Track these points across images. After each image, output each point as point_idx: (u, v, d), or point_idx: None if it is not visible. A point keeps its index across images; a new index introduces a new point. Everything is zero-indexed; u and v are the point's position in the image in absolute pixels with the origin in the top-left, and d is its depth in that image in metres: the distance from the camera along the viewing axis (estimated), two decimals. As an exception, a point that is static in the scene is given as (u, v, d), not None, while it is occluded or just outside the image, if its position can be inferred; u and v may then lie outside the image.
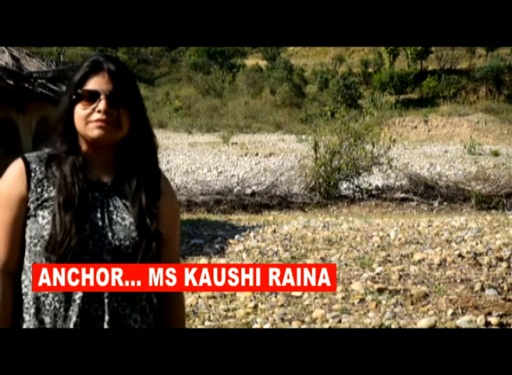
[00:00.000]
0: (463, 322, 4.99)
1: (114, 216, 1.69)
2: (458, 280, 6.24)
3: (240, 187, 14.51)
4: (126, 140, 1.74)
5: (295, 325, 5.10)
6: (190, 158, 25.50)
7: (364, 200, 14.57)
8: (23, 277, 1.66)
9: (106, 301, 1.62)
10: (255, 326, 5.07)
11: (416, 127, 43.03)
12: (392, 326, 4.97)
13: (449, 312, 5.26)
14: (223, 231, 9.83)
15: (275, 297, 5.80)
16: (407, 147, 31.66)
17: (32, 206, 1.66)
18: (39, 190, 1.67)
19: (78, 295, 1.60)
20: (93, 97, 1.67)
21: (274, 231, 9.76)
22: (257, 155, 27.65)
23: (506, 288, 5.92)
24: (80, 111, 1.68)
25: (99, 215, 1.67)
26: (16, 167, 1.70)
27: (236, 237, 9.14)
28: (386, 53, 56.28)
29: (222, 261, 7.26)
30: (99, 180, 1.72)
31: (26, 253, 1.66)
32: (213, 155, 27.04)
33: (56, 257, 1.60)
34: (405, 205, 14.15)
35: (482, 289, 5.87)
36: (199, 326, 5.04)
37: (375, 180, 15.86)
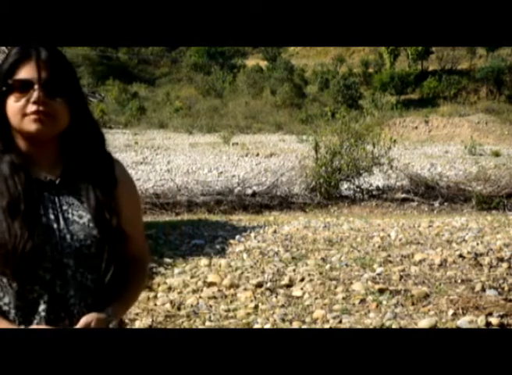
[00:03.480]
0: (463, 322, 4.98)
1: (70, 215, 1.54)
2: (459, 281, 6.23)
3: (241, 188, 14.50)
4: (67, 132, 1.58)
5: (296, 325, 5.10)
6: (190, 159, 25.48)
7: (364, 200, 14.57)
8: None
9: (72, 309, 1.53)
10: (256, 326, 5.07)
11: (417, 128, 43.00)
12: (393, 327, 4.97)
13: (450, 312, 5.25)
14: (224, 232, 9.83)
15: (276, 297, 5.80)
16: (407, 147, 31.64)
17: None
18: None
19: (42, 308, 1.51)
20: (25, 87, 1.50)
21: (274, 232, 9.75)
22: (257, 155, 27.62)
23: (506, 289, 5.92)
24: (12, 104, 1.51)
25: (52, 216, 1.53)
26: None
27: (237, 237, 9.14)
28: (387, 53, 56.26)
29: (223, 261, 7.26)
30: (46, 178, 1.56)
31: None
32: (214, 156, 27.02)
33: (11, 269, 1.45)
34: (406, 205, 14.14)
35: (483, 289, 5.87)
36: (200, 327, 5.04)
37: (376, 180, 15.86)
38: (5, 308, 1.51)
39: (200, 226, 10.40)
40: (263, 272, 6.76)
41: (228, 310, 5.45)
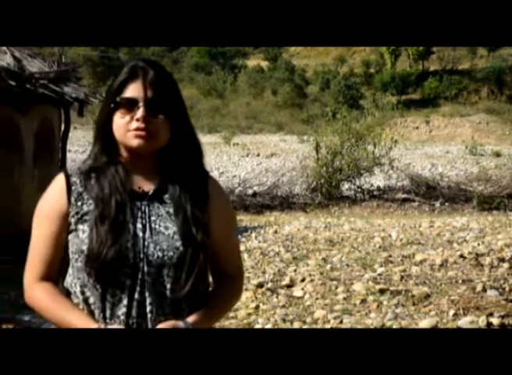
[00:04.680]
0: (464, 323, 4.98)
1: (156, 226, 1.63)
2: (460, 281, 6.23)
3: (242, 188, 14.51)
4: (167, 147, 1.67)
5: (296, 326, 5.09)
6: (191, 159, 25.44)
7: (365, 200, 14.57)
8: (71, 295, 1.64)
9: (149, 316, 1.59)
10: (257, 326, 5.06)
11: (417, 128, 43.04)
12: (394, 327, 4.96)
13: (451, 312, 5.24)
14: (225, 232, 9.82)
15: (277, 297, 5.80)
16: (408, 147, 31.66)
17: (73, 220, 1.62)
18: (79, 203, 1.63)
19: (121, 311, 1.58)
20: (131, 104, 1.61)
21: (275, 232, 9.76)
22: (258, 155, 27.66)
23: (507, 289, 5.91)
24: (118, 120, 1.62)
25: (140, 225, 1.62)
26: (57, 182, 1.67)
27: (238, 237, 9.13)
28: (388, 54, 56.29)
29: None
30: (140, 189, 1.66)
31: (70, 270, 1.64)
32: (215, 156, 27.03)
33: (94, 271, 1.56)
34: (406, 205, 14.15)
35: (484, 290, 5.86)
36: (200, 327, 5.04)
37: (377, 180, 15.86)
38: (92, 307, 1.60)
39: (201, 227, 10.39)
40: (264, 272, 6.76)
41: (229, 310, 5.45)
